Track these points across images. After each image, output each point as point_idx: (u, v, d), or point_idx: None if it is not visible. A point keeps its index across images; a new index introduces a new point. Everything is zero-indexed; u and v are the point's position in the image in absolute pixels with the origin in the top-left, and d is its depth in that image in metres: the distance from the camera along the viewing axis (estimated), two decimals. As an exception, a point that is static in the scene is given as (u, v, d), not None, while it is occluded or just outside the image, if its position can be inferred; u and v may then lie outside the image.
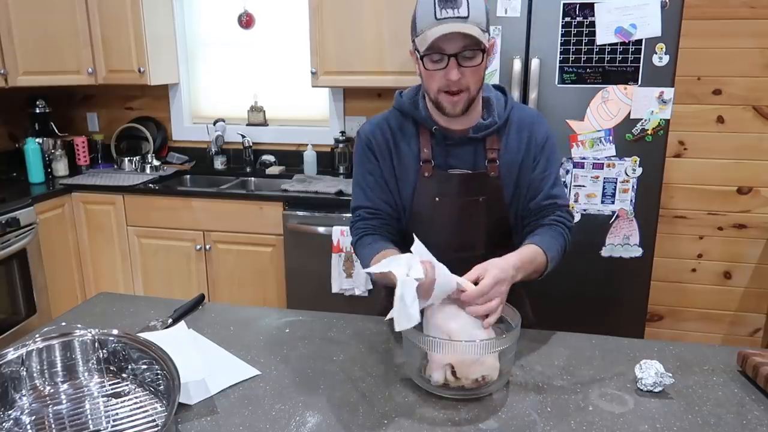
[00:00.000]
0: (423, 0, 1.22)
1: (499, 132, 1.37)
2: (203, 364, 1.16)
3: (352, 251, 1.41)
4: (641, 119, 2.18)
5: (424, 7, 1.21)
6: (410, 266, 1.07)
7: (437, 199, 1.37)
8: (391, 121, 1.41)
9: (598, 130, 2.22)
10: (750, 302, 2.95)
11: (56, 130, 3.32)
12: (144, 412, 1.03)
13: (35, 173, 3.10)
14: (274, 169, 3.30)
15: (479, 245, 1.39)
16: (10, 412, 1.03)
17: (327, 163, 3.28)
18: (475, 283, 1.11)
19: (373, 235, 1.38)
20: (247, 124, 3.44)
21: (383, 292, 1.58)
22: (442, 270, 1.09)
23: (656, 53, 2.12)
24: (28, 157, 3.07)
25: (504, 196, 1.38)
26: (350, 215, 1.45)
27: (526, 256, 1.24)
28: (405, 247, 1.18)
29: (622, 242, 2.29)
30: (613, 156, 2.23)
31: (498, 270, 1.13)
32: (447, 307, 1.12)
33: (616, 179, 2.25)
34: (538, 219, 1.38)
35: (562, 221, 1.37)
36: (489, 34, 1.25)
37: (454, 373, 1.07)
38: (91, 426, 1.01)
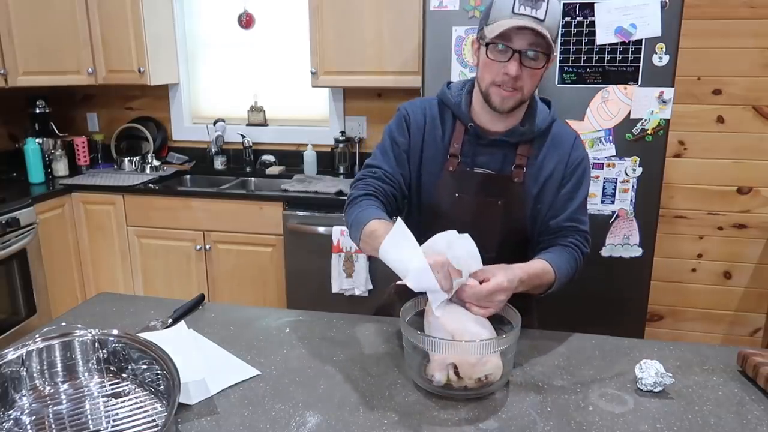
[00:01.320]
0: None
1: (534, 142, 1.35)
2: (203, 364, 1.16)
3: (347, 223, 1.33)
4: (641, 119, 2.18)
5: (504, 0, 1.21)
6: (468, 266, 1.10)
7: (457, 195, 1.36)
8: (432, 108, 1.40)
9: (598, 130, 2.22)
10: (750, 302, 2.95)
11: (56, 130, 3.32)
12: (144, 412, 1.03)
13: (35, 173, 3.10)
14: (274, 169, 3.30)
15: (491, 248, 1.36)
16: (10, 412, 1.02)
17: (327, 163, 3.28)
18: (480, 282, 1.12)
19: (381, 202, 1.33)
20: (247, 124, 3.44)
21: (390, 287, 1.57)
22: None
23: (656, 53, 2.12)
24: (28, 157, 3.07)
25: (525, 203, 1.36)
26: (361, 169, 1.41)
27: (533, 270, 1.23)
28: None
29: (622, 242, 2.29)
30: (613, 156, 2.23)
31: (504, 278, 1.13)
32: (449, 306, 1.11)
33: (616, 179, 2.24)
34: (555, 238, 1.36)
35: (579, 246, 1.36)
36: (556, 45, 1.25)
37: (457, 372, 1.06)
38: (91, 426, 1.01)
